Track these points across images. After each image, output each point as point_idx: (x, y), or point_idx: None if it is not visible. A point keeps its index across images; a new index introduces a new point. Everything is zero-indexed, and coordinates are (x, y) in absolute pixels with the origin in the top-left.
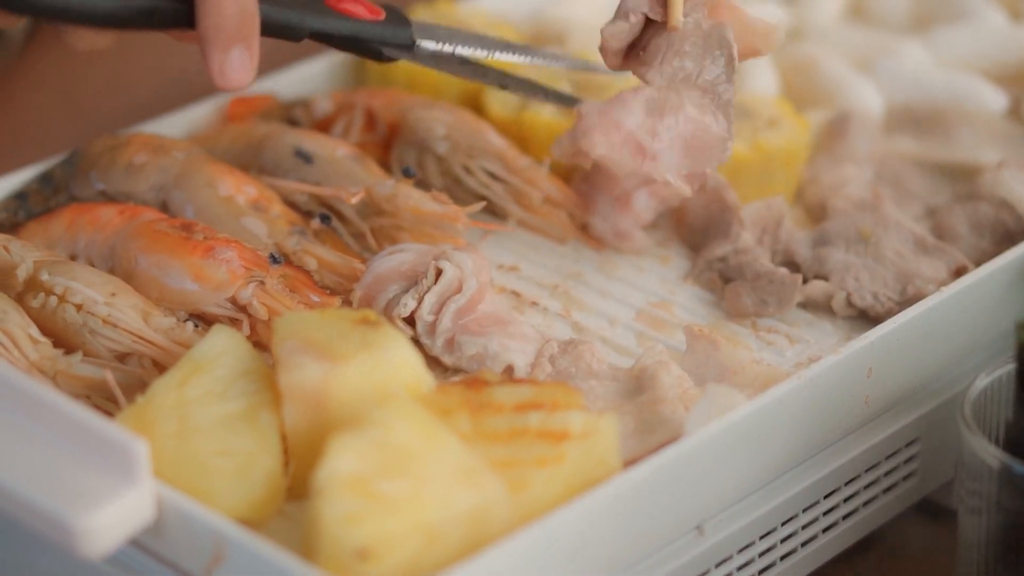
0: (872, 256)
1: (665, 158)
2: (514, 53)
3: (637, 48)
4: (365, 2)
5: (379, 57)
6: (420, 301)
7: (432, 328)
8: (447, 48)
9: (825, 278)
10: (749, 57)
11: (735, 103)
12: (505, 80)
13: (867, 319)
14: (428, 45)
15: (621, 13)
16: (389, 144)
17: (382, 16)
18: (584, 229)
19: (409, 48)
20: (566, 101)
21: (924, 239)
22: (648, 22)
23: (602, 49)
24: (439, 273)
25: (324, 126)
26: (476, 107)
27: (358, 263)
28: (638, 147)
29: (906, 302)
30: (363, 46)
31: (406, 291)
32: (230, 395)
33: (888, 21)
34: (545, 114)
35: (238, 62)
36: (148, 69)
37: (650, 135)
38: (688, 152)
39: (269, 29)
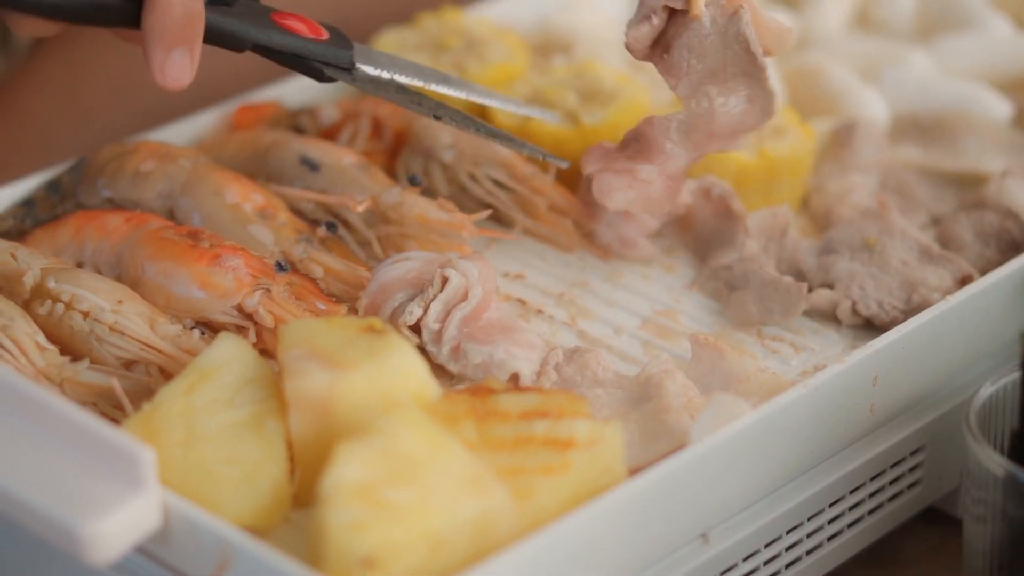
0: (877, 265)
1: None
2: (450, 86)
3: (661, 43)
4: (309, 22)
5: (320, 77)
6: (426, 309)
7: (438, 336)
8: (385, 75)
9: (830, 287)
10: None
11: None
12: (439, 111)
13: (872, 328)
14: (367, 70)
15: (644, 13)
16: (395, 152)
17: (325, 36)
18: (590, 237)
19: (348, 70)
20: (500, 138)
21: (929, 248)
22: (671, 14)
23: (627, 48)
24: (445, 281)
25: (330, 134)
26: (482, 115)
27: (364, 271)
28: (670, 188)
29: (911, 311)
30: (304, 64)
31: (412, 299)
32: (236, 403)
33: (894, 30)
34: (551, 122)
35: (179, 63)
36: None
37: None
38: (732, 132)
39: (212, 37)
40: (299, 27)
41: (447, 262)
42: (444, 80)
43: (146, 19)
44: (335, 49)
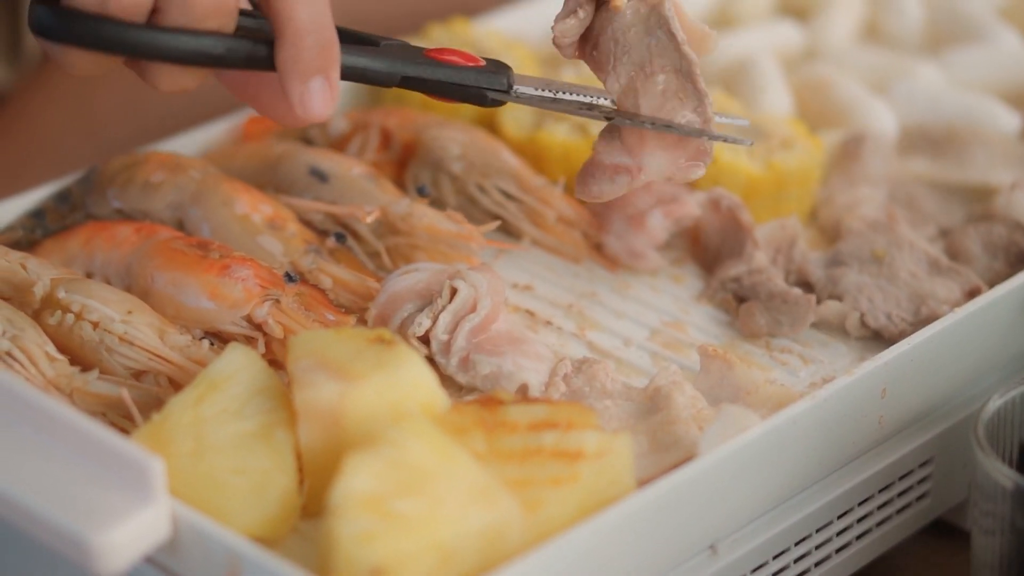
0: (886, 277)
1: (649, 163)
2: (602, 98)
3: (589, 39)
4: (464, 53)
5: (483, 101)
6: (435, 320)
7: (447, 347)
8: (544, 92)
9: (839, 298)
10: None
11: (751, 122)
12: (611, 113)
13: (881, 340)
14: (526, 90)
15: (570, 7)
16: (404, 163)
17: (482, 63)
18: (598, 248)
19: (507, 91)
20: (683, 129)
21: (938, 260)
22: (596, 7)
23: (555, 43)
24: (454, 292)
25: (339, 145)
26: (491, 126)
27: (373, 282)
28: (622, 170)
29: (920, 323)
30: (464, 91)
31: (421, 310)
32: (246, 413)
33: (903, 42)
34: (559, 133)
35: (319, 92)
36: None
37: (627, 154)
38: (668, 145)
39: (359, 75)
40: (455, 59)
41: (456, 273)
42: (599, 94)
43: (279, 54)
44: (491, 75)
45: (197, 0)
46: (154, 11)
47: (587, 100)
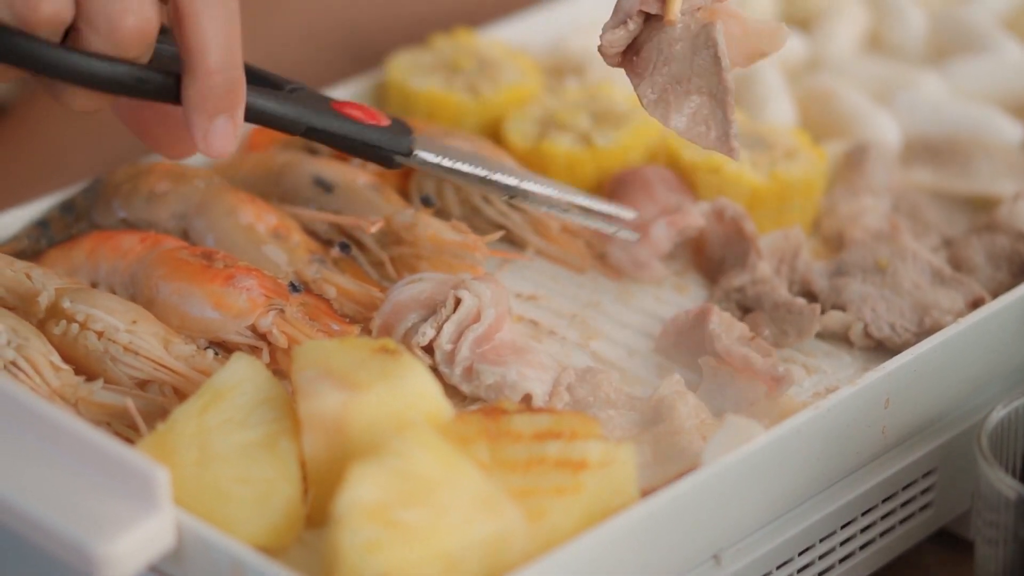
0: (889, 287)
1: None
2: (508, 175)
3: (633, 47)
4: (368, 109)
5: (389, 164)
6: (439, 330)
7: (451, 357)
8: (444, 161)
9: (842, 309)
10: (757, 59)
11: (753, 132)
12: (513, 191)
13: (884, 350)
14: (426, 156)
15: (619, 18)
16: (409, 173)
17: (386, 123)
18: (602, 258)
19: (407, 155)
20: (582, 212)
21: (941, 270)
22: (647, 19)
23: (600, 52)
24: (458, 302)
25: (344, 155)
26: (495, 136)
27: (377, 291)
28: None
29: (923, 333)
30: (367, 150)
31: (425, 320)
32: (250, 423)
33: (905, 52)
34: (564, 143)
35: (222, 130)
36: None
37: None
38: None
39: (266, 119)
40: (358, 115)
41: (460, 283)
42: (502, 169)
43: (187, 90)
44: (394, 136)
45: (121, 27)
46: (73, 29)
47: (485, 175)
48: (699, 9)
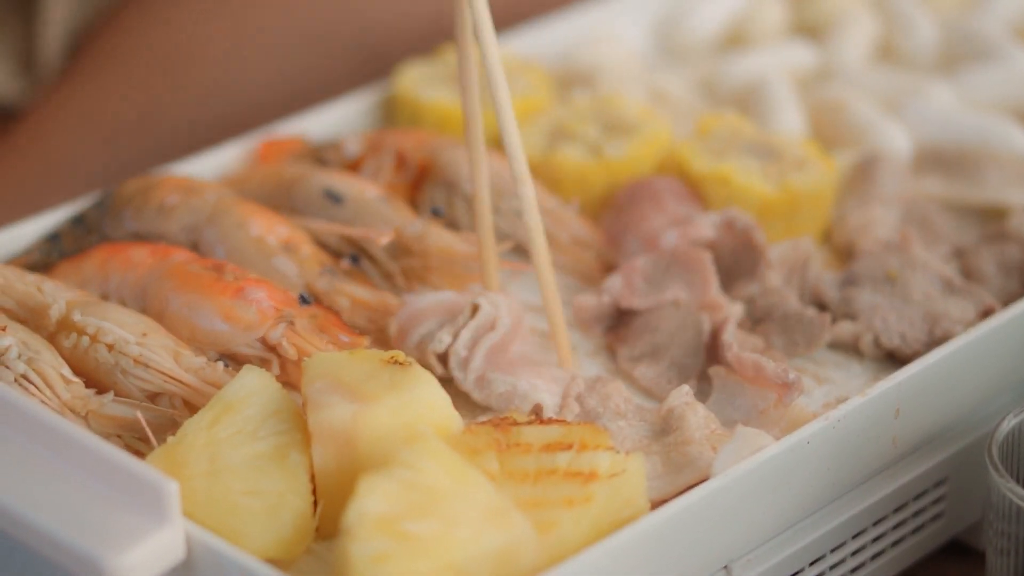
0: (900, 297)
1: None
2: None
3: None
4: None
5: None
6: (456, 336)
7: (465, 363)
8: None
9: (853, 319)
10: None
11: (763, 143)
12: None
13: (895, 360)
14: None
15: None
16: (418, 184)
17: None
18: (612, 269)
19: None
20: None
21: (952, 280)
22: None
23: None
24: (475, 309)
25: (354, 167)
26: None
27: (390, 296)
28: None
29: (934, 343)
30: None
31: (441, 327)
32: (260, 435)
33: (916, 62)
34: (574, 155)
35: None
36: (180, 107)
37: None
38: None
39: None
40: None
41: (479, 293)
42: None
43: None
44: None
45: None
46: None
47: None
48: None
